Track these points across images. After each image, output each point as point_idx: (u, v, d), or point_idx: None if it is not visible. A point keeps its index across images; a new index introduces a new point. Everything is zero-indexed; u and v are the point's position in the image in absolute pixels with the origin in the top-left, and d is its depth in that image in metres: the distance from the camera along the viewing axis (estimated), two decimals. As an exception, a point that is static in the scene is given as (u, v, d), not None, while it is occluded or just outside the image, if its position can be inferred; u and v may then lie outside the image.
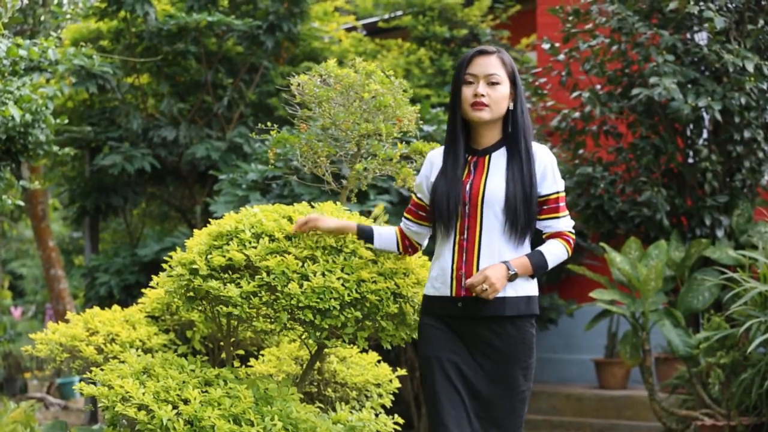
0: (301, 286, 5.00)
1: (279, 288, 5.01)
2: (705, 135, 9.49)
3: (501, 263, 4.65)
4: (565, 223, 4.83)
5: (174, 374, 5.14)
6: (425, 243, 5.15)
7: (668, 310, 8.40)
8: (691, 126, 9.42)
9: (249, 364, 6.06)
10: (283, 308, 5.06)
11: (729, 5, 9.05)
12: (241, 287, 5.07)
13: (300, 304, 5.00)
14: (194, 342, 6.13)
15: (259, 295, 5.06)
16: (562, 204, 4.83)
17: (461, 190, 4.74)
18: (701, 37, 9.45)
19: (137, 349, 5.81)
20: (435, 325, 4.80)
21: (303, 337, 5.46)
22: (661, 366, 10.61)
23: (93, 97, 12.59)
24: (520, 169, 4.72)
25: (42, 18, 11.79)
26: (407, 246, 5.14)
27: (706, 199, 9.19)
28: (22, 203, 8.76)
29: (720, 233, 9.18)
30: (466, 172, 4.81)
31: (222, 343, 5.85)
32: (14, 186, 9.36)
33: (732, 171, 9.39)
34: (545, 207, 4.79)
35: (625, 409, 10.57)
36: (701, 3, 8.92)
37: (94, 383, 5.35)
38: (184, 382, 5.11)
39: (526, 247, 4.77)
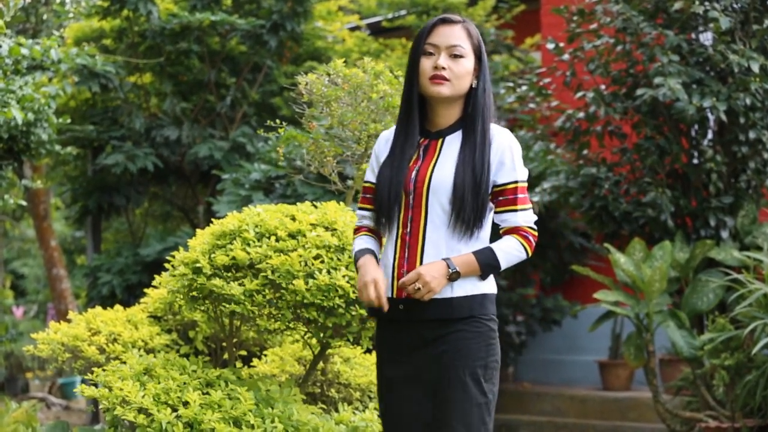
0: (306, 283, 4.98)
1: (283, 285, 4.99)
2: (710, 136, 9.46)
3: (441, 260, 4.11)
4: (524, 217, 4.22)
5: (175, 375, 5.12)
6: None
7: (672, 312, 8.38)
8: (696, 126, 9.39)
9: (252, 364, 6.04)
10: (287, 306, 5.05)
11: (734, 5, 9.01)
12: (244, 285, 5.06)
13: (305, 301, 4.98)
14: (197, 342, 6.10)
15: (263, 292, 5.04)
16: (522, 195, 4.23)
17: (405, 178, 4.20)
18: (706, 38, 9.43)
19: (139, 350, 5.79)
20: (381, 331, 4.30)
21: (306, 336, 5.45)
22: (665, 367, 10.58)
23: (95, 97, 12.57)
24: (473, 154, 4.17)
25: (44, 17, 11.77)
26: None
27: (711, 200, 9.16)
28: (24, 202, 8.76)
29: (725, 234, 9.15)
30: (415, 156, 4.25)
31: (224, 344, 5.83)
32: (16, 185, 9.36)
33: (737, 172, 9.36)
34: (501, 198, 4.21)
35: (629, 411, 10.54)
36: (706, 3, 8.89)
37: (96, 384, 5.33)
38: (184, 383, 5.09)
39: (481, 243, 4.21)
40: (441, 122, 4.28)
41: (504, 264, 4.18)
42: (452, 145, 4.24)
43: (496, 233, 4.25)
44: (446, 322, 4.13)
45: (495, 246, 4.19)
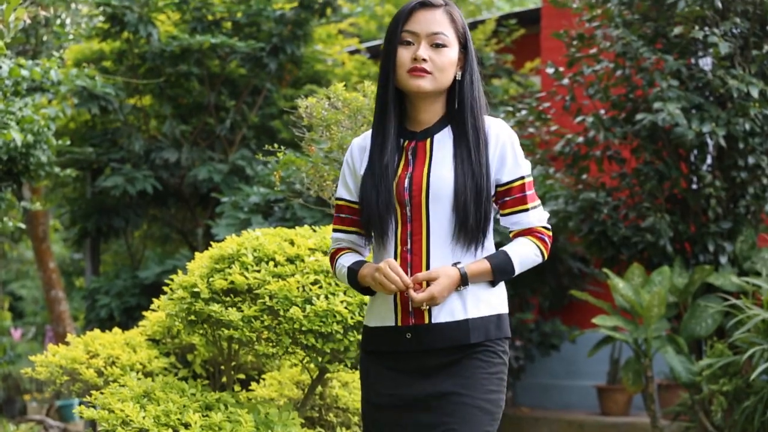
0: (303, 310, 4.97)
1: (281, 312, 4.98)
2: (709, 161, 9.47)
3: (452, 268, 3.64)
4: (537, 216, 3.80)
5: (174, 398, 5.11)
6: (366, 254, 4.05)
7: (671, 337, 8.37)
8: (695, 152, 9.40)
9: (250, 388, 6.02)
10: (285, 332, 5.04)
11: (734, 31, 9.03)
12: (242, 311, 5.05)
13: (303, 328, 4.97)
14: (195, 366, 6.09)
15: (261, 318, 5.04)
16: (531, 192, 3.78)
17: (396, 186, 3.72)
18: (706, 63, 9.44)
19: (137, 373, 5.78)
20: (374, 369, 3.82)
21: (305, 361, 5.43)
22: (663, 393, 10.56)
23: (95, 118, 12.58)
24: (469, 155, 3.68)
25: (44, 38, 11.77)
26: None
27: (710, 225, 9.16)
28: (22, 224, 8.74)
29: (723, 260, 9.14)
30: (402, 161, 3.77)
31: (223, 367, 5.82)
32: (15, 207, 9.34)
33: (736, 197, 9.36)
34: (508, 198, 3.77)
35: (627, 436, 10.52)
36: (706, 28, 8.91)
37: (94, 406, 5.31)
38: (184, 406, 5.07)
39: (487, 253, 3.76)
40: (425, 119, 3.81)
41: (519, 269, 3.74)
42: (443, 144, 3.77)
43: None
44: (458, 348, 3.68)
45: (509, 249, 3.75)
